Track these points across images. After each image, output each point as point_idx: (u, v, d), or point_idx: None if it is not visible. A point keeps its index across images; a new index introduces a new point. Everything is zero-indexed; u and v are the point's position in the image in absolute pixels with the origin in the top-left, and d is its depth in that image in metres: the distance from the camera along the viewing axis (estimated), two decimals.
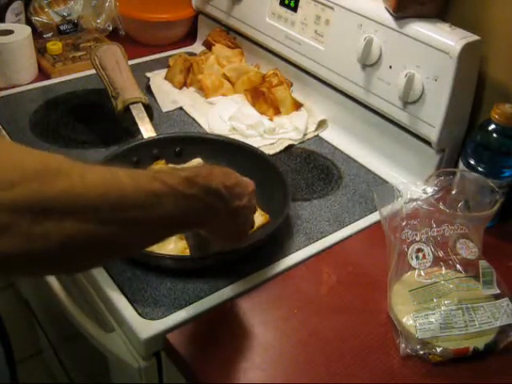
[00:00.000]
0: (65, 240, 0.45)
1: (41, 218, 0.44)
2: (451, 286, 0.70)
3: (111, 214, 0.49)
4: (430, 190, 0.77)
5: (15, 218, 0.43)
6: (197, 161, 0.92)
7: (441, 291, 0.70)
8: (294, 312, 0.73)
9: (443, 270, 0.72)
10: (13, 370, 0.77)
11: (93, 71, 1.06)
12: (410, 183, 0.81)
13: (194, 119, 1.12)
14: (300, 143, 1.07)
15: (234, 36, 1.30)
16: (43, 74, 1.23)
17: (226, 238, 0.69)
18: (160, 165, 0.92)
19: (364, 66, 0.98)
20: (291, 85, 1.15)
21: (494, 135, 0.82)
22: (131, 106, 0.98)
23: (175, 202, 0.55)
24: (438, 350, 0.66)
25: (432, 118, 0.89)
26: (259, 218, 0.84)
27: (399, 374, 0.66)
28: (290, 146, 1.05)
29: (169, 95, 1.18)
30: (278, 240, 0.82)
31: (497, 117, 0.80)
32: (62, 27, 1.34)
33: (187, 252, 0.77)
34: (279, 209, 0.82)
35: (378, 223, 0.82)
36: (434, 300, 0.69)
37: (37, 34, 1.31)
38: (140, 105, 0.99)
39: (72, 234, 0.46)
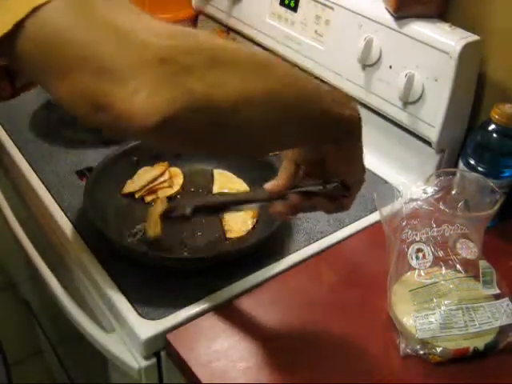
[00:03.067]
0: (241, 93, 0.46)
1: (218, 66, 0.44)
2: (451, 285, 0.70)
3: (293, 80, 0.51)
4: (430, 189, 0.77)
5: (195, 59, 0.43)
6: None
7: (441, 291, 0.70)
8: (293, 312, 0.73)
9: (443, 270, 0.72)
10: (7, 371, 0.77)
11: None
12: (410, 183, 0.81)
13: None
14: None
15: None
16: None
17: (346, 171, 0.63)
18: (161, 166, 0.92)
19: (364, 66, 0.97)
20: None
21: (494, 135, 0.82)
22: None
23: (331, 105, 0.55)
24: (438, 349, 0.66)
25: (432, 118, 0.89)
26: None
27: (399, 374, 0.66)
28: None
29: None
30: (278, 240, 0.82)
31: (497, 117, 0.80)
32: None
33: None
34: None
35: (378, 223, 0.82)
36: (434, 300, 0.69)
37: None
38: None
39: (249, 90, 0.46)
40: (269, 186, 0.64)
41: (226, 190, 0.89)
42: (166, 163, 0.92)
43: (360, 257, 0.83)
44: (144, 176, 0.90)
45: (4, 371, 0.76)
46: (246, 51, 0.50)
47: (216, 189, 0.91)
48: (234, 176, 0.93)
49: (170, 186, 0.90)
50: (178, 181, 0.92)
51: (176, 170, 0.93)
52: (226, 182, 0.92)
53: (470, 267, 0.72)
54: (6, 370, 0.78)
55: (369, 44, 0.94)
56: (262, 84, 0.48)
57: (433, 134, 0.90)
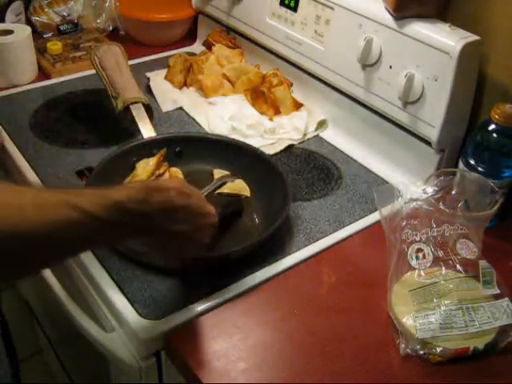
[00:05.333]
0: None
1: None
2: (451, 285, 0.70)
3: (23, 256, 0.49)
4: (430, 190, 0.77)
5: None
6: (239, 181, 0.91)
7: (441, 291, 0.70)
8: (293, 312, 0.73)
9: (443, 270, 0.72)
10: (16, 370, 0.77)
11: (93, 71, 1.06)
12: (410, 183, 0.81)
13: (193, 119, 1.12)
14: (300, 143, 1.07)
15: (234, 36, 1.30)
16: (43, 73, 1.23)
17: (166, 254, 0.70)
18: (156, 158, 0.91)
19: (364, 66, 0.98)
20: (291, 85, 1.15)
21: (494, 135, 0.82)
22: (131, 106, 0.98)
23: (93, 227, 0.53)
24: (438, 349, 0.66)
25: (432, 118, 0.89)
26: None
27: (399, 374, 0.66)
28: (290, 146, 1.05)
29: (169, 95, 1.18)
30: (278, 240, 0.82)
31: (497, 117, 0.80)
32: (61, 27, 1.34)
33: None
34: (279, 209, 0.82)
35: (378, 223, 0.82)
36: (434, 300, 0.69)
37: (37, 34, 1.31)
38: (140, 105, 0.99)
39: None
40: None
41: (226, 191, 0.89)
42: (165, 164, 0.92)
43: (360, 257, 0.83)
44: (142, 174, 0.90)
45: (9, 371, 0.77)
46: None
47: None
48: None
49: None
50: None
51: (176, 171, 0.93)
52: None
53: (470, 267, 0.72)
54: (15, 368, 0.78)
55: (369, 44, 0.94)
56: None
57: (433, 134, 0.90)
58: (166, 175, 0.91)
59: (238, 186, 0.91)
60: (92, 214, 0.52)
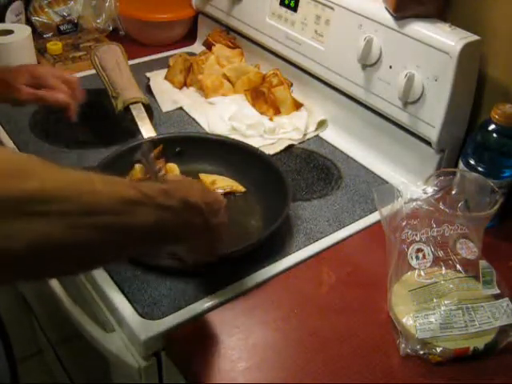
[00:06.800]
0: (31, 243, 0.43)
1: (7, 217, 0.42)
2: (451, 285, 0.70)
3: (81, 218, 0.46)
4: (430, 190, 0.77)
5: None
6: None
7: (441, 291, 0.70)
8: (293, 312, 0.73)
9: (443, 270, 0.72)
10: (14, 370, 0.77)
11: (93, 71, 1.06)
12: (410, 183, 0.81)
13: (193, 119, 1.12)
14: (300, 143, 1.07)
15: (234, 36, 1.30)
16: None
17: (199, 253, 0.67)
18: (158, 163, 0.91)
19: (364, 66, 0.98)
20: (291, 85, 1.15)
21: (494, 135, 0.82)
22: (131, 106, 0.98)
23: (151, 212, 0.53)
24: (438, 349, 0.66)
25: (432, 118, 0.89)
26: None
27: (399, 374, 0.66)
28: (290, 146, 1.05)
29: (169, 95, 1.18)
30: (278, 240, 0.82)
31: (497, 117, 0.80)
32: (61, 27, 1.34)
33: None
34: (279, 209, 0.82)
35: (378, 223, 0.82)
36: (434, 300, 0.69)
37: (37, 34, 1.31)
38: (140, 105, 0.99)
39: (38, 237, 0.43)
40: None
41: (220, 190, 0.90)
42: (162, 160, 0.92)
43: (360, 257, 0.83)
44: (140, 173, 0.90)
45: (8, 370, 0.77)
46: None
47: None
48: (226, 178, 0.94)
49: None
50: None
51: (172, 165, 0.93)
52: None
53: (470, 267, 0.72)
54: (13, 368, 0.78)
55: (369, 44, 0.94)
56: None
57: (433, 134, 0.90)
58: (163, 171, 0.91)
59: (230, 183, 0.91)
60: (152, 197, 0.53)
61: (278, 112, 1.11)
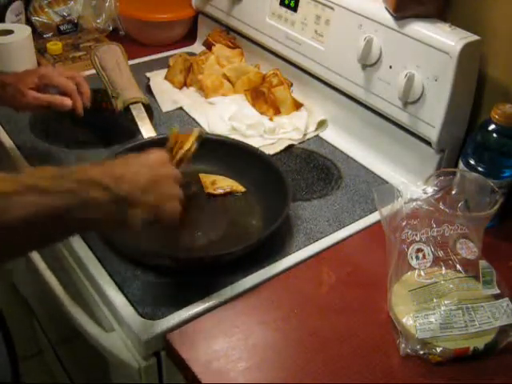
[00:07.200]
0: None
1: None
2: (451, 285, 0.70)
3: None
4: (430, 190, 0.77)
5: None
6: None
7: (441, 291, 0.70)
8: (293, 312, 0.73)
9: (443, 270, 0.72)
10: (15, 368, 0.77)
11: (93, 71, 1.06)
12: (410, 183, 0.81)
13: (193, 119, 1.12)
14: (300, 143, 1.07)
15: (234, 36, 1.30)
16: None
17: (146, 222, 0.62)
18: None
19: (364, 66, 0.97)
20: (291, 85, 1.15)
21: (494, 135, 0.82)
22: (131, 106, 0.98)
23: (32, 201, 0.51)
24: (438, 349, 0.66)
25: (432, 118, 0.89)
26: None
27: (399, 374, 0.66)
28: (290, 146, 1.05)
29: (169, 95, 1.18)
30: (278, 240, 0.82)
31: (497, 117, 0.80)
32: (61, 27, 1.34)
33: None
34: (279, 209, 0.82)
35: (378, 223, 0.82)
36: (434, 300, 0.69)
37: (37, 34, 1.31)
38: (140, 105, 0.99)
39: None
40: None
41: (220, 190, 0.90)
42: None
43: (360, 257, 0.83)
44: None
45: (10, 367, 0.77)
46: None
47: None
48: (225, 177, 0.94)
49: None
50: None
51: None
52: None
53: (470, 267, 0.72)
54: (15, 365, 0.78)
55: (369, 44, 0.94)
56: None
57: (433, 134, 0.90)
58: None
59: (230, 183, 0.91)
60: (32, 185, 0.52)
61: (278, 112, 1.11)
